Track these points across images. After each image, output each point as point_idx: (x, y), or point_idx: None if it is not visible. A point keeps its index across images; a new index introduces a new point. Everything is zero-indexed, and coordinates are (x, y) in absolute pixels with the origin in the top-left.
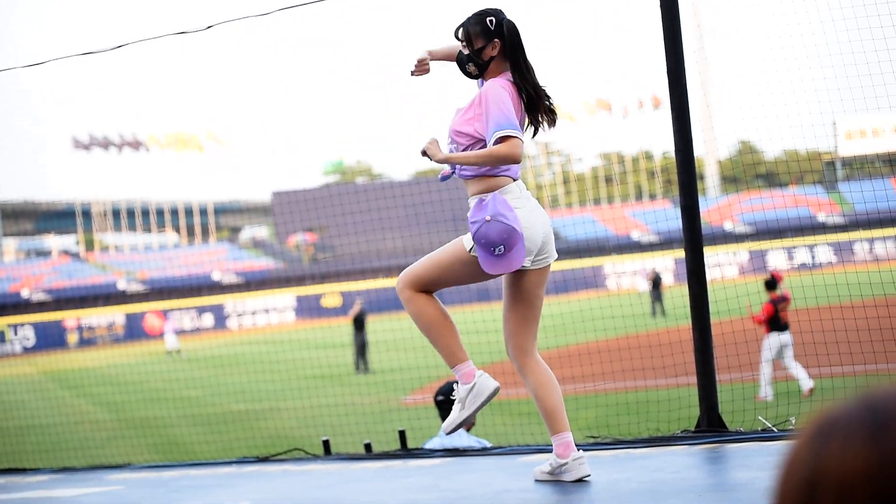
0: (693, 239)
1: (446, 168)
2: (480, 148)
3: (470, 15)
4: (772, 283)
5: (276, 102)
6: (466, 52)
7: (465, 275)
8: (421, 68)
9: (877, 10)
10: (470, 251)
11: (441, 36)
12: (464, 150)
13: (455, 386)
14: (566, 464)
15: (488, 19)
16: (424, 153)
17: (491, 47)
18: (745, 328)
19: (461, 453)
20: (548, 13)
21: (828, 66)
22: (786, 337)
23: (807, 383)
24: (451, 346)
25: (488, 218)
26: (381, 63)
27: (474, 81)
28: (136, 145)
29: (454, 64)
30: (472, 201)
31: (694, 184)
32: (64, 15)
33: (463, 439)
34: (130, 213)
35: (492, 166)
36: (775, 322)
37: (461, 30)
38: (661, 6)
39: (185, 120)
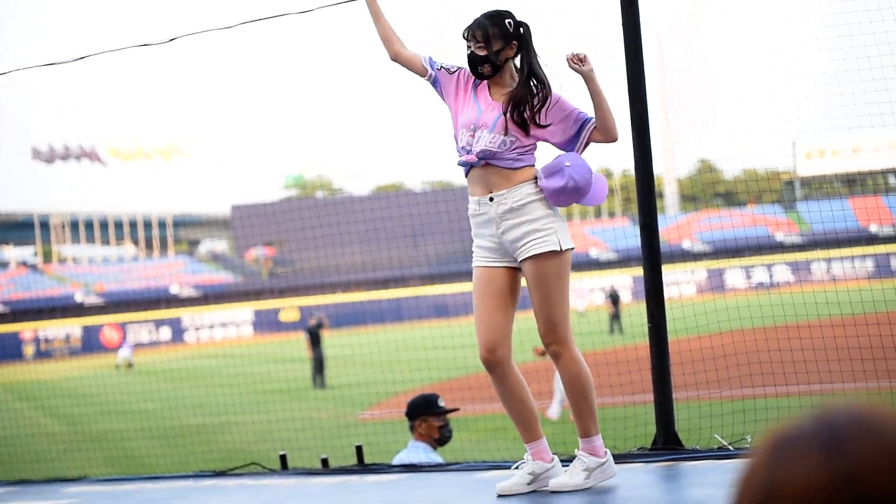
0: (651, 257)
1: (472, 156)
2: (530, 149)
3: (484, 15)
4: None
5: (236, 115)
6: (482, 53)
7: None
8: None
9: (837, 31)
10: (562, 249)
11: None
12: (518, 147)
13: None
14: (550, 469)
15: (507, 21)
16: (581, 58)
17: (509, 49)
18: (701, 346)
19: (418, 469)
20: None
21: (788, 86)
22: None
23: (555, 409)
24: (595, 409)
25: (568, 163)
26: (343, 77)
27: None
28: (95, 157)
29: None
30: (517, 192)
31: (653, 202)
32: (26, 26)
33: (422, 455)
34: (89, 226)
35: (607, 128)
36: None
37: (479, 31)
38: (623, 24)
39: (146, 132)
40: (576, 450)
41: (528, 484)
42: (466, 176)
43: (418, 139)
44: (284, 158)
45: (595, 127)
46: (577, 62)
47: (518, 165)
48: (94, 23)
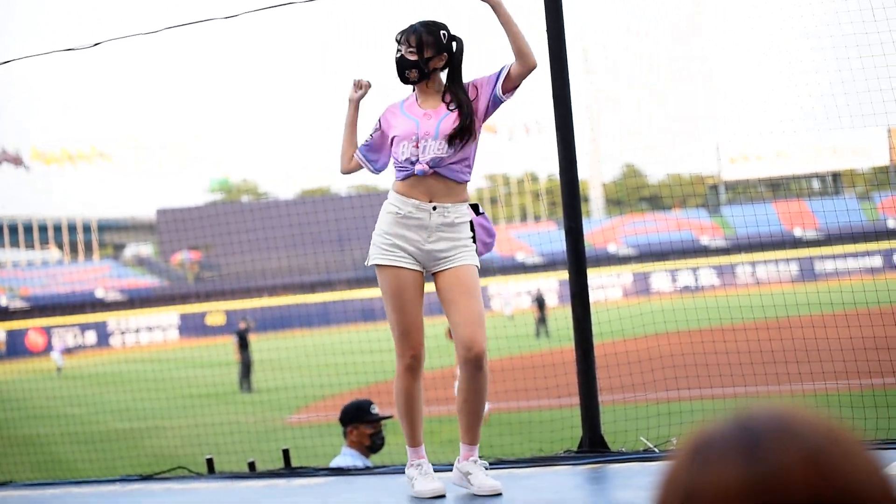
0: (577, 261)
1: (424, 165)
2: (470, 162)
3: (421, 23)
4: None
5: (161, 119)
6: (412, 57)
7: None
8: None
9: (763, 38)
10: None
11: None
12: (461, 158)
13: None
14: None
15: (441, 32)
16: None
17: (438, 59)
18: (627, 350)
19: (345, 472)
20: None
21: (712, 91)
22: None
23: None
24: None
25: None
26: (267, 81)
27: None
28: (18, 160)
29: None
30: (459, 209)
31: (578, 206)
32: None
33: (350, 462)
34: (13, 229)
35: (521, 52)
36: None
37: (413, 35)
38: (548, 30)
39: (70, 135)
40: (468, 459)
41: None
42: (403, 180)
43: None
44: (209, 162)
45: (509, 71)
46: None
47: (462, 179)
48: (18, 26)
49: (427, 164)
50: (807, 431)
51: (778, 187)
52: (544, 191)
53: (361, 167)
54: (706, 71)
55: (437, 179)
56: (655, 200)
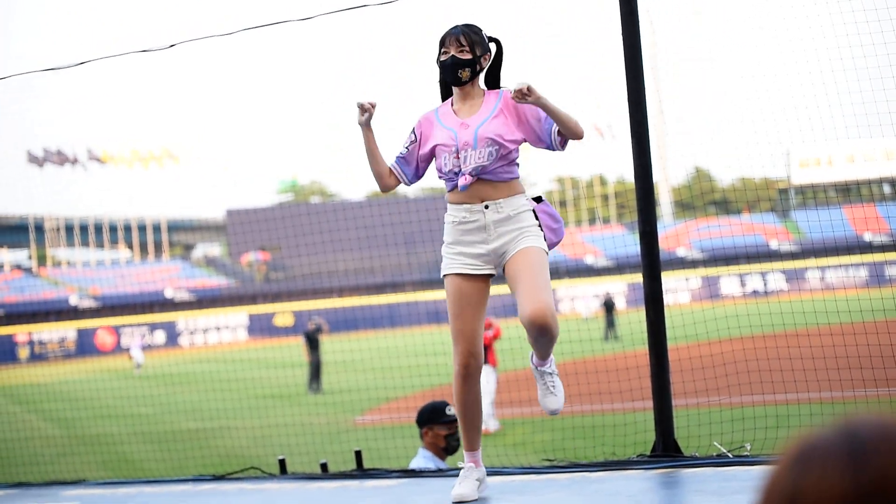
0: (651, 265)
1: (467, 177)
2: (514, 159)
3: (464, 25)
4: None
5: (231, 120)
6: (466, 56)
7: None
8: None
9: (836, 42)
10: (547, 252)
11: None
12: (502, 159)
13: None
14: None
15: (482, 32)
16: (524, 93)
17: (485, 58)
18: (701, 354)
19: (417, 474)
20: (508, 34)
21: (783, 95)
22: (491, 373)
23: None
24: None
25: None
26: (339, 82)
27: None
28: (90, 161)
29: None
30: (513, 202)
31: (653, 210)
32: (26, 29)
33: (422, 464)
34: (83, 229)
35: (570, 132)
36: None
37: (463, 37)
38: (623, 36)
39: (140, 136)
40: (535, 367)
41: (478, 489)
42: (451, 191)
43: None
44: (279, 163)
45: (559, 130)
46: (522, 97)
47: (508, 177)
48: (95, 27)
49: (470, 174)
50: None
51: (848, 191)
52: (614, 193)
53: (396, 184)
54: (775, 73)
55: (482, 183)
56: (725, 204)
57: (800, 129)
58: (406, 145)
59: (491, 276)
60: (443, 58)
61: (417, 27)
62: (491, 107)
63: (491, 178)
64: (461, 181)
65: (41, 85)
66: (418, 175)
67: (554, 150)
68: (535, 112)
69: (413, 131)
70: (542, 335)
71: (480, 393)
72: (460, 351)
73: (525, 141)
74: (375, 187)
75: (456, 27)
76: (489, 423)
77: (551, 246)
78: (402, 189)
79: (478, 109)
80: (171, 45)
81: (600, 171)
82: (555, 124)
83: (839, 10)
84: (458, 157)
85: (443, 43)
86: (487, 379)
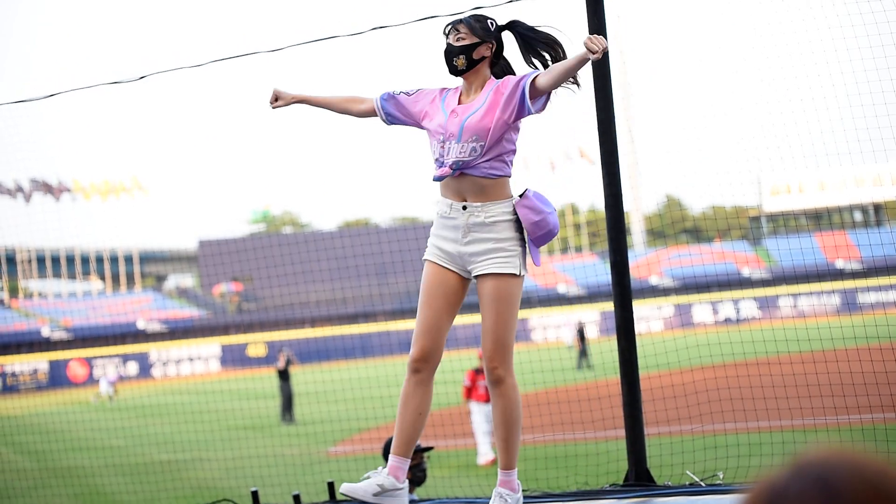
0: (622, 294)
1: (446, 168)
2: (503, 155)
3: (469, 14)
4: None
5: (203, 151)
6: (459, 43)
7: None
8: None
9: (804, 70)
10: (520, 274)
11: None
12: (490, 154)
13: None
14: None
15: (489, 21)
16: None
17: (486, 46)
18: (672, 383)
19: None
20: None
21: (753, 123)
22: (480, 411)
23: (487, 450)
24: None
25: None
26: (310, 113)
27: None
28: (61, 192)
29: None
30: (493, 208)
31: (623, 239)
32: None
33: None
34: (55, 260)
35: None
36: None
37: (461, 24)
38: (593, 66)
39: (112, 167)
40: (496, 487)
41: (374, 495)
42: (437, 180)
43: (385, 175)
44: (251, 194)
45: (534, 80)
46: (592, 46)
47: (494, 174)
48: (61, 58)
49: (450, 166)
50: (886, 483)
51: (819, 219)
52: (585, 222)
53: (372, 113)
54: (745, 101)
55: (465, 179)
56: (697, 232)
57: (770, 156)
58: (405, 91)
59: (467, 280)
60: (445, 48)
61: (386, 55)
62: (483, 98)
63: (474, 174)
64: (437, 172)
65: (11, 116)
66: (394, 121)
67: (529, 109)
68: (514, 80)
69: (420, 90)
70: (495, 386)
71: (427, 397)
72: (417, 348)
73: (516, 119)
74: (348, 217)
75: (460, 17)
76: (490, 455)
77: (540, 243)
78: (373, 219)
79: (474, 100)
80: (142, 77)
81: (572, 199)
82: (529, 86)
83: (808, 40)
84: (443, 147)
85: (446, 31)
86: (479, 419)
